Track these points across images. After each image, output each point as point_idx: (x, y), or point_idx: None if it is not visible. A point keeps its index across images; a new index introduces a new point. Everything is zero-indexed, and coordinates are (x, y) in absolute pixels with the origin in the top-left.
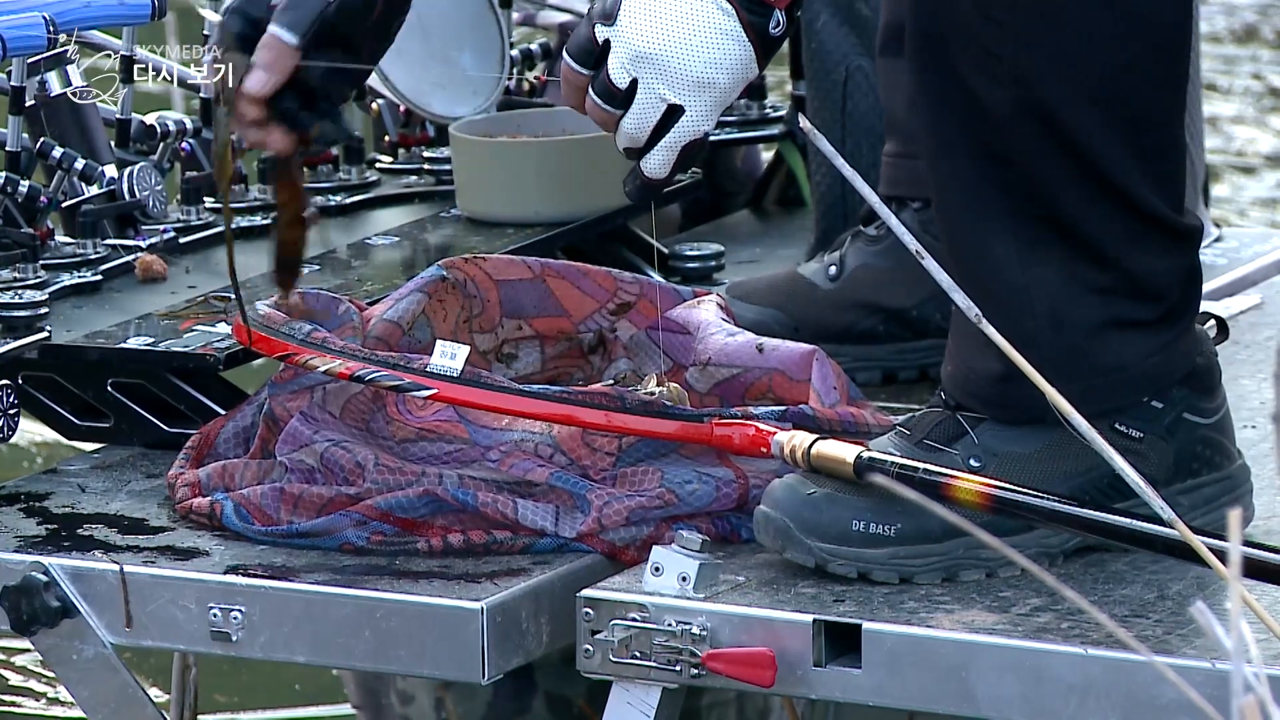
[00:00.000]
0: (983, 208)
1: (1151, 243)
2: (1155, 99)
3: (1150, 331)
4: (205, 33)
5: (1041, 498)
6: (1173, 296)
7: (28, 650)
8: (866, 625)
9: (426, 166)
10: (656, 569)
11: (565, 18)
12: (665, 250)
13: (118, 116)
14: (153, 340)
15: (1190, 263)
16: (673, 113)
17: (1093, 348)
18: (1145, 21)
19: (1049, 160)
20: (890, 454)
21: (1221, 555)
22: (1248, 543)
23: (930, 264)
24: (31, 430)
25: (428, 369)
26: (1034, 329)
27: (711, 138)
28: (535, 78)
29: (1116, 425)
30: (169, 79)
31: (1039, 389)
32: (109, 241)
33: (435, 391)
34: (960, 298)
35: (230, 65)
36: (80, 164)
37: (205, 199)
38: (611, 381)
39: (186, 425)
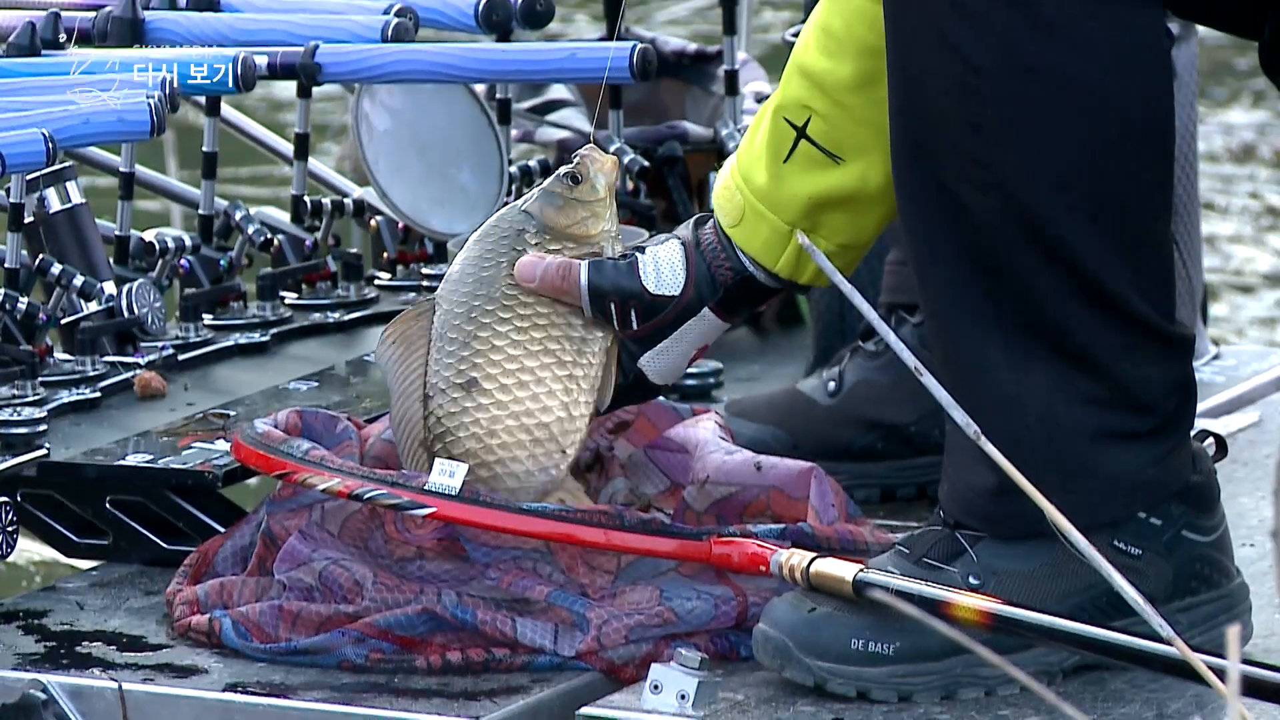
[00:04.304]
0: (973, 317)
1: (1142, 351)
2: (1141, 204)
3: (1144, 443)
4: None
5: (1041, 616)
6: (1166, 407)
7: None
8: None
9: (425, 283)
10: (655, 686)
11: (563, 134)
12: None
13: (116, 233)
14: (151, 457)
15: (1183, 373)
16: None
17: (1086, 458)
18: (1126, 125)
19: (1036, 268)
20: (889, 573)
21: (1220, 673)
22: (1246, 661)
23: (928, 380)
24: (30, 549)
25: (426, 487)
26: (1026, 439)
27: None
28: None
29: (1115, 542)
30: (168, 196)
31: (1035, 502)
32: (108, 358)
33: (434, 510)
34: (959, 415)
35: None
36: (79, 280)
37: (204, 316)
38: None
39: (185, 542)
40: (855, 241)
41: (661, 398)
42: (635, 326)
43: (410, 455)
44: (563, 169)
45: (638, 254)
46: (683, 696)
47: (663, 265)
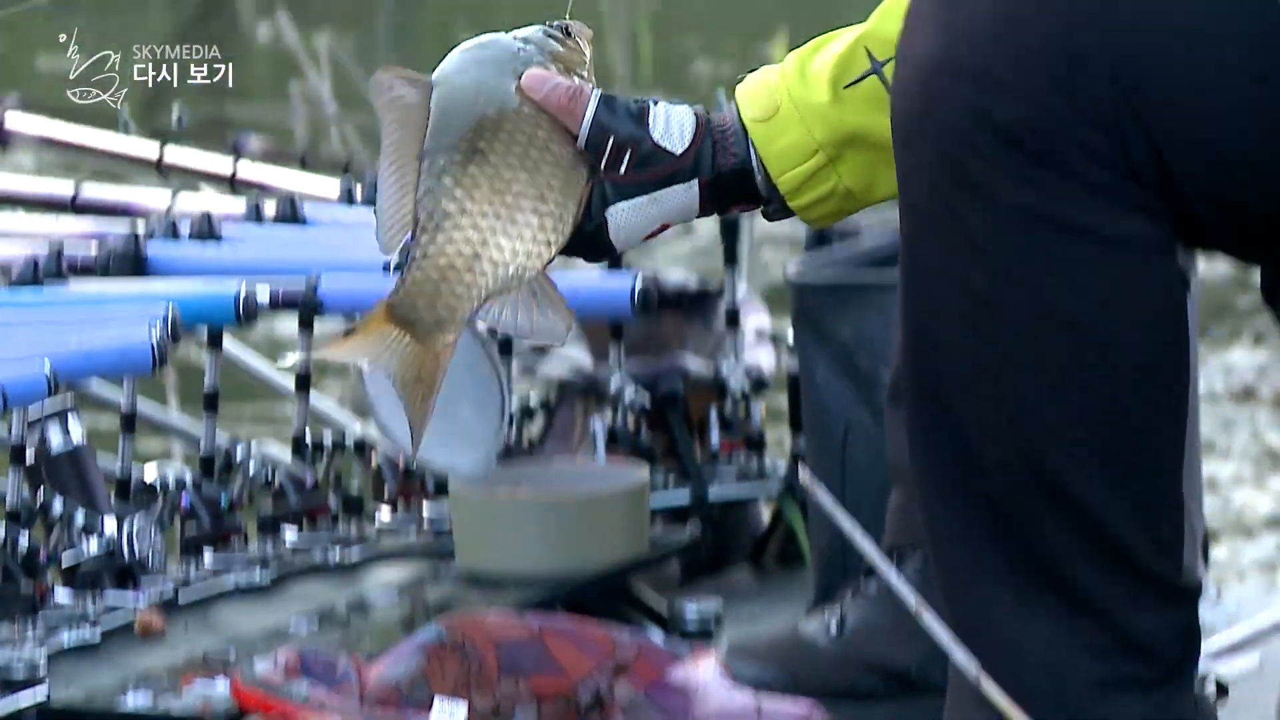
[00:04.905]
0: (979, 561)
1: (1150, 601)
2: (1153, 453)
3: (1146, 690)
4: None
5: None
6: (1171, 654)
7: None
8: None
9: (426, 524)
10: None
11: (565, 370)
12: (664, 608)
13: (118, 473)
14: (151, 698)
15: (1189, 620)
16: None
17: (1088, 706)
18: (1140, 373)
19: (1045, 515)
20: None
21: None
22: None
23: (929, 620)
24: None
25: None
26: (1028, 684)
27: (711, 498)
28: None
29: None
30: (169, 432)
31: None
32: (109, 600)
33: None
34: (960, 656)
35: None
36: (80, 518)
37: (204, 553)
38: None
39: None
40: (862, 192)
41: (661, 638)
42: (623, 170)
43: (394, 212)
44: (553, 22)
45: (650, 103)
46: None
47: (673, 121)
